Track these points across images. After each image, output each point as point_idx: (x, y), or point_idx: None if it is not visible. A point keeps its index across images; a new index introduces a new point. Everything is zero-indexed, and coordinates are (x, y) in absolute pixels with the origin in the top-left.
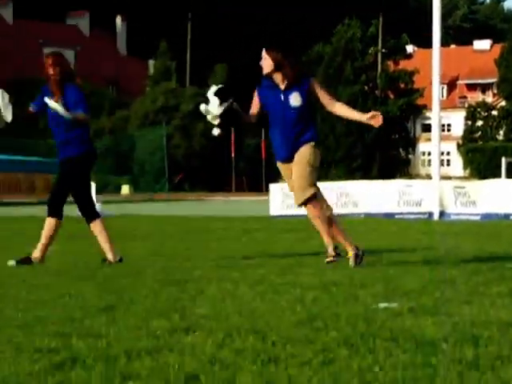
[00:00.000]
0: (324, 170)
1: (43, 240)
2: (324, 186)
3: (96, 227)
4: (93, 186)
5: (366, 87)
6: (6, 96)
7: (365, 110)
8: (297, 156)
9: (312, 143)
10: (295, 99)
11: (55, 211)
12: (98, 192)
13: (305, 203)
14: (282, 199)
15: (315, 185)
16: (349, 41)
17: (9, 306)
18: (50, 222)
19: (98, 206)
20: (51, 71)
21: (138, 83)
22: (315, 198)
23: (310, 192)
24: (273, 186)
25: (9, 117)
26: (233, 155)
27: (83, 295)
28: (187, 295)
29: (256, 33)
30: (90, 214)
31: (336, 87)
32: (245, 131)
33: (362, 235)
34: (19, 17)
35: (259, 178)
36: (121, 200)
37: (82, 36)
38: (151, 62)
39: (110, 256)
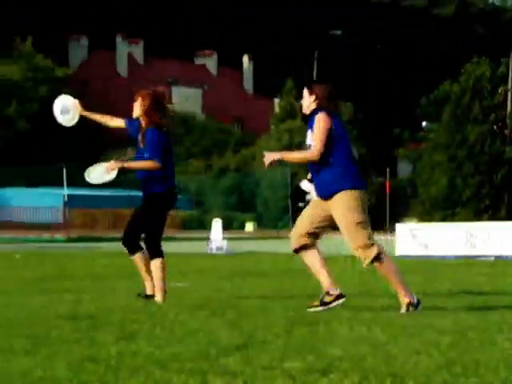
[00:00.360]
0: (451, 209)
1: (158, 284)
2: (452, 227)
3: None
4: (219, 222)
5: (495, 127)
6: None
7: (493, 150)
8: (336, 211)
9: (345, 191)
10: (309, 137)
11: (155, 251)
12: (223, 229)
13: (372, 262)
14: (409, 239)
15: (372, 235)
16: (477, 80)
17: (144, 343)
18: (155, 264)
19: (224, 243)
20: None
21: (263, 121)
22: (382, 255)
23: (374, 252)
24: (399, 226)
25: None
26: None
27: (216, 332)
28: (320, 335)
29: (381, 72)
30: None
31: (464, 127)
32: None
33: (494, 278)
34: (149, 56)
35: (381, 218)
36: (245, 237)
37: (210, 75)
38: (276, 101)
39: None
